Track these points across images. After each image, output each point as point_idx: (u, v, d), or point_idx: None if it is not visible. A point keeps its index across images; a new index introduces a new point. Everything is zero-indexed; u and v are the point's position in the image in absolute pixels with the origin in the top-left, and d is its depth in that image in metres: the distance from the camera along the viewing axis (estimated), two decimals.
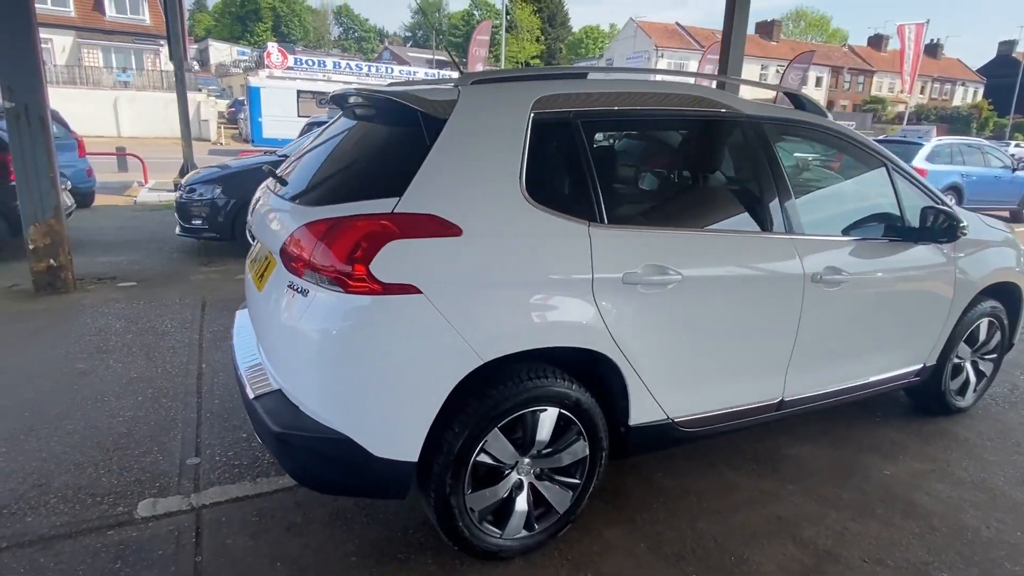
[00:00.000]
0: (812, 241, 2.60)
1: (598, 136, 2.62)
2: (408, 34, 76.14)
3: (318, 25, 73.38)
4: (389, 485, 1.98)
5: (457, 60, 2.82)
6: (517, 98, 2.10)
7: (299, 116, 21.31)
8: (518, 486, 2.18)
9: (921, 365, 3.20)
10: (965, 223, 2.91)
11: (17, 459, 2.72)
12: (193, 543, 2.24)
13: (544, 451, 2.19)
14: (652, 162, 3.00)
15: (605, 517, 2.49)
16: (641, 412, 2.30)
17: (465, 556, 2.19)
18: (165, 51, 32.26)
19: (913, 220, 2.91)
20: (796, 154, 3.92)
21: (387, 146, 2.14)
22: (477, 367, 1.91)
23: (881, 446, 3.18)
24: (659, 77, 2.78)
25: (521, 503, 2.18)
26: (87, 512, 2.39)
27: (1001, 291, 3.41)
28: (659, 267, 2.18)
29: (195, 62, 44.59)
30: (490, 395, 2.00)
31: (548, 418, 2.12)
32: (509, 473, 2.15)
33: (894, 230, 2.90)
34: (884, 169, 2.97)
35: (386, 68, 30.59)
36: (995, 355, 3.57)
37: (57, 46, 28.08)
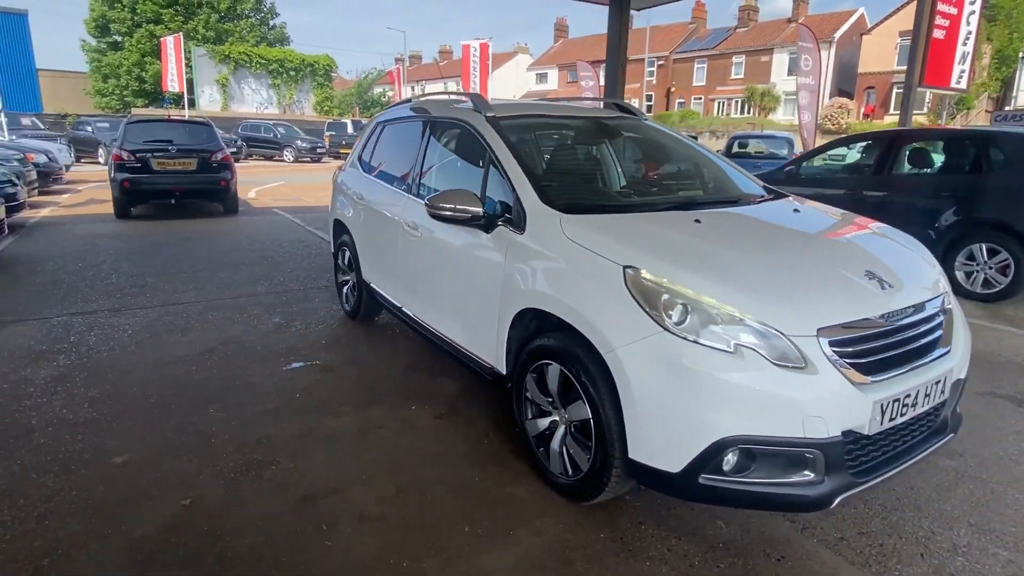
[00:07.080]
0: (411, 201, 3.65)
1: (395, 133, 4.29)
2: None
3: None
4: None
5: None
6: (380, 115, 4.54)
7: None
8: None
9: (491, 364, 2.84)
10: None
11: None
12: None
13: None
14: (401, 149, 4.13)
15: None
16: (366, 271, 4.43)
17: None
18: None
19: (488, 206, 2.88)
20: None
21: None
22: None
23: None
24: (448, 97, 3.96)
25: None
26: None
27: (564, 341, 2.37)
28: (360, 195, 4.36)
29: None
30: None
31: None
32: None
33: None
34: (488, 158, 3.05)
35: None
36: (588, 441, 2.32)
37: None
